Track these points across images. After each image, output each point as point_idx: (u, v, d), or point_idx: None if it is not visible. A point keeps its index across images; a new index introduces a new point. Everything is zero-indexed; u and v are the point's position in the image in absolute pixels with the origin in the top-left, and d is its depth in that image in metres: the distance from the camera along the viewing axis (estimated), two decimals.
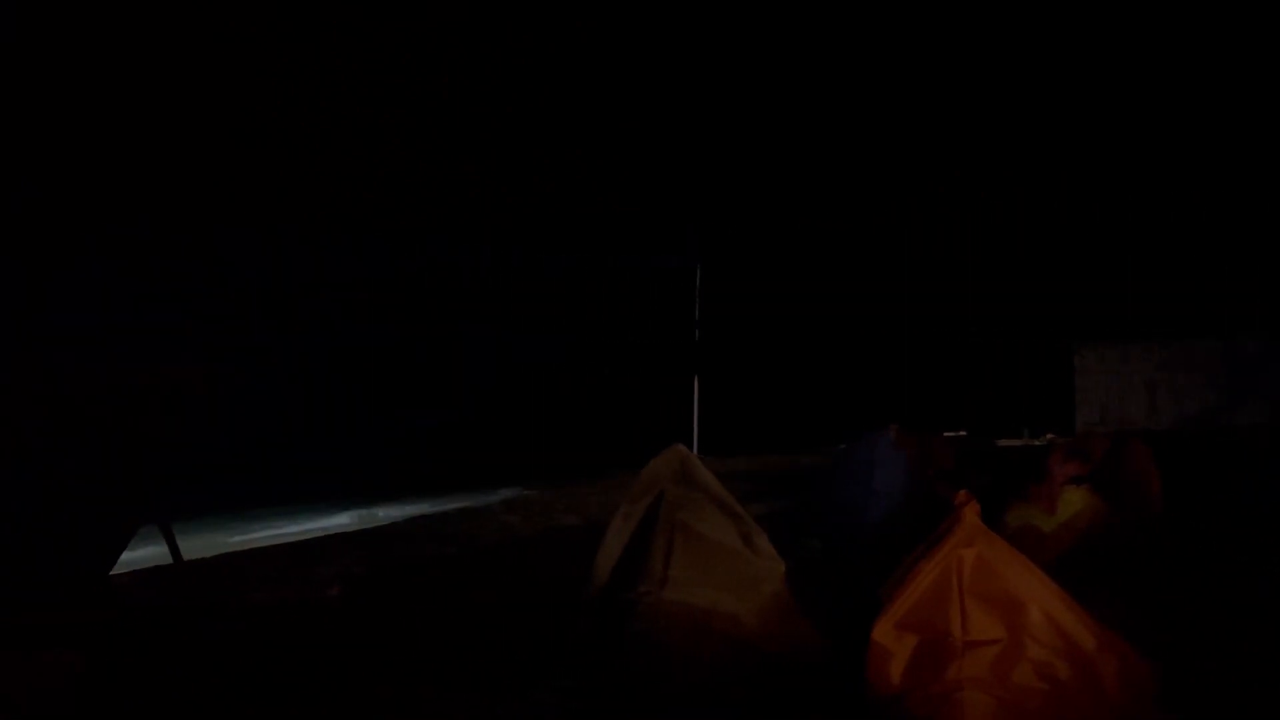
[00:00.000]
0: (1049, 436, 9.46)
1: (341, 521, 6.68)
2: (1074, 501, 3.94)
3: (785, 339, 11.50)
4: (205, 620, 3.51)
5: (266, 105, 8.36)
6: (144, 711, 2.65)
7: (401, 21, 8.83)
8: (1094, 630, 2.62)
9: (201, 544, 5.52)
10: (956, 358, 11.37)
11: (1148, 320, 10.78)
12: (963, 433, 7.98)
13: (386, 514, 7.00)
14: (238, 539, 5.94)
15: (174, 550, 3.33)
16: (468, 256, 10.28)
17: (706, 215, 11.71)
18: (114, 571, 3.46)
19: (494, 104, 9.78)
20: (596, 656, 2.90)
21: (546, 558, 4.83)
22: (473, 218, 10.23)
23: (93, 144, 7.39)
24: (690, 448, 3.44)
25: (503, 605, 3.84)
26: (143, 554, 4.25)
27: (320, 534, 6.08)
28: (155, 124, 7.80)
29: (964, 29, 10.04)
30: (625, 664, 2.80)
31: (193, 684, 2.72)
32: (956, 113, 10.75)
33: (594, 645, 2.96)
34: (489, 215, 10.27)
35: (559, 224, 10.78)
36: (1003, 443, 8.22)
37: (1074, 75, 10.31)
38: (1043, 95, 10.49)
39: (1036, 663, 2.58)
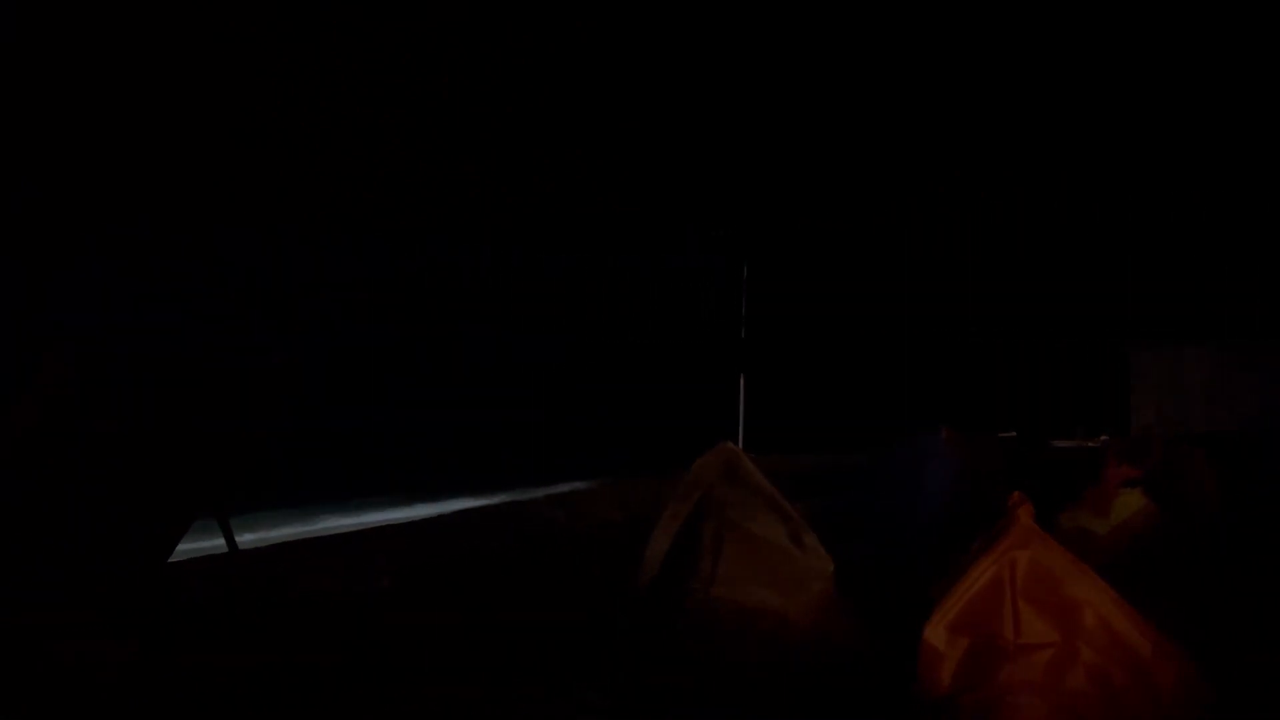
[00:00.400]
0: (1103, 438, 9.50)
1: (395, 515, 6.84)
2: (1129, 504, 3.99)
3: (831, 338, 11.67)
4: (253, 610, 3.65)
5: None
6: (186, 700, 2.77)
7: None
8: (1149, 635, 2.63)
9: (258, 536, 5.66)
10: (1008, 357, 11.45)
11: (1204, 321, 10.82)
12: (1014, 433, 8.05)
13: (433, 509, 7.08)
14: (294, 530, 6.14)
15: (230, 540, 3.48)
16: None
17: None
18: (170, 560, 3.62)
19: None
20: (643, 653, 2.96)
21: (593, 554, 4.84)
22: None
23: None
24: (737, 445, 3.56)
25: (548, 601, 3.88)
26: (198, 545, 4.41)
27: (373, 526, 6.16)
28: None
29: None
30: (672, 661, 2.86)
31: (227, 676, 2.85)
32: (1006, 107, 10.85)
33: (640, 642, 3.03)
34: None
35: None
36: (1056, 444, 8.28)
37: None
38: (1091, 87, 10.58)
39: (1090, 667, 2.61)
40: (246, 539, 4.78)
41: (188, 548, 3.96)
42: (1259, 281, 10.38)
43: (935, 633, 2.68)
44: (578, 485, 8.22)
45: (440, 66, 9.50)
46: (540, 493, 7.77)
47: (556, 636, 3.37)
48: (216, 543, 3.63)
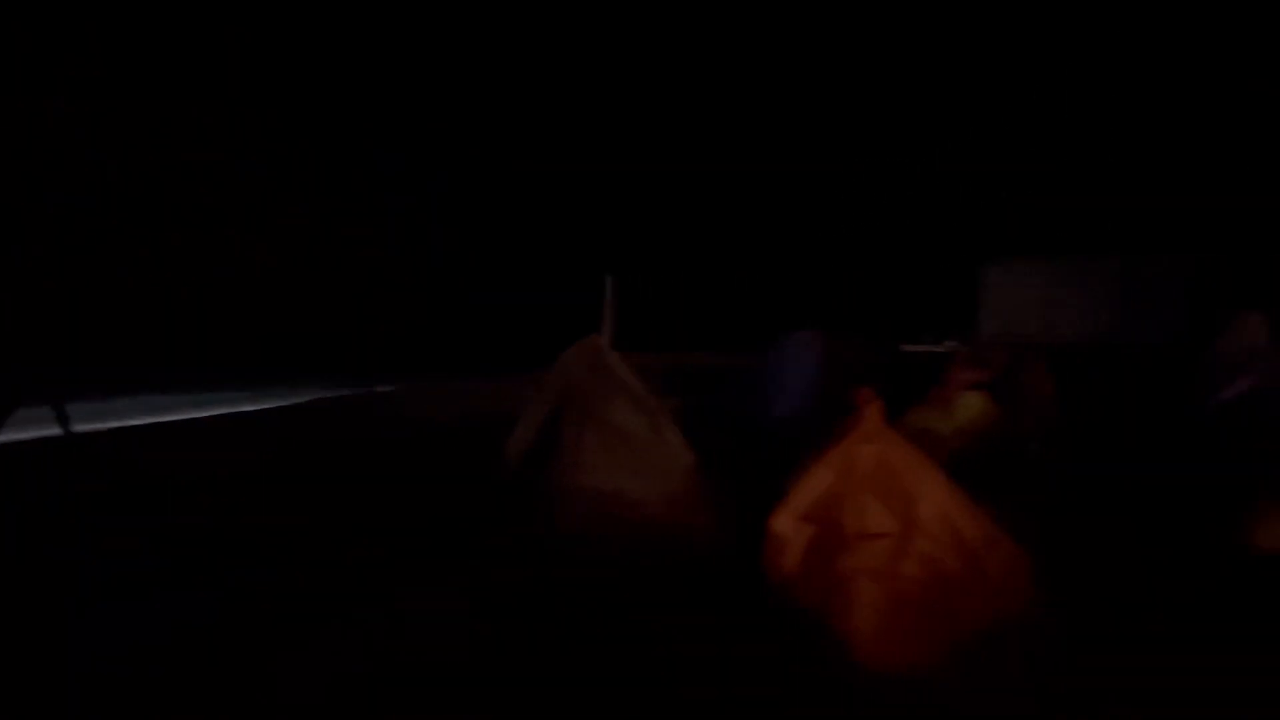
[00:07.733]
0: (951, 344, 10.02)
1: (247, 406, 6.78)
2: (971, 406, 4.26)
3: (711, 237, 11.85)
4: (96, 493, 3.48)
5: None
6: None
7: None
8: (983, 527, 2.76)
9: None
10: (865, 267, 11.89)
11: (1051, 235, 11.43)
12: (868, 337, 8.38)
13: (299, 398, 7.16)
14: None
15: (64, 423, 3.28)
16: None
17: None
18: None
19: None
20: (507, 535, 3.03)
21: (464, 443, 4.92)
22: None
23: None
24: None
25: (422, 484, 3.96)
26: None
27: (224, 414, 6.16)
28: None
29: None
30: (533, 542, 2.96)
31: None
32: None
33: (504, 523, 3.10)
34: None
35: None
36: (907, 349, 8.69)
37: None
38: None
39: (925, 555, 2.76)
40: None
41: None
42: (1108, 198, 10.95)
43: (782, 522, 2.80)
44: (454, 381, 8.40)
45: None
46: (415, 385, 7.97)
47: (429, 515, 3.39)
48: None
